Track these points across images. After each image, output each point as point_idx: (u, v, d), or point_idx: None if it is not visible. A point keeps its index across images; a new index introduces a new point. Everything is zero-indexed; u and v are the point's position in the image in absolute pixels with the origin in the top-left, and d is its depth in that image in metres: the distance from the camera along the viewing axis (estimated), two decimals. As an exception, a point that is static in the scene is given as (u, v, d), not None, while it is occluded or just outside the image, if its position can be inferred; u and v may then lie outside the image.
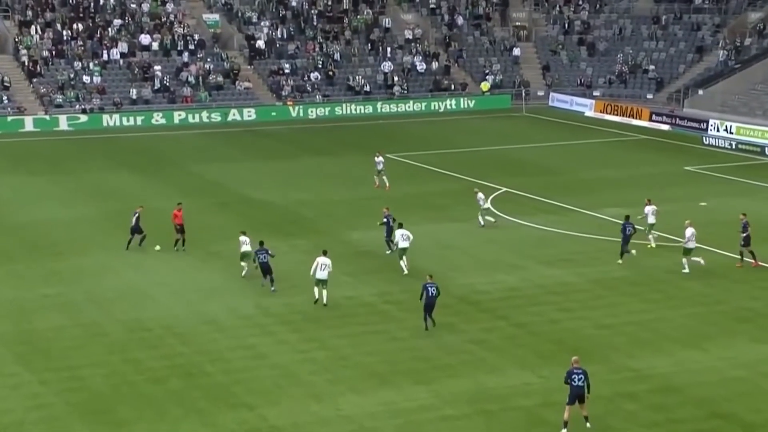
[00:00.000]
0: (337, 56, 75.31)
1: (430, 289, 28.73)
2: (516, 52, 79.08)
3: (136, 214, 36.57)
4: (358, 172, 50.23)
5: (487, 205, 40.57)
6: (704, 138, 59.42)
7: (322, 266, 30.68)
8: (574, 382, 22.66)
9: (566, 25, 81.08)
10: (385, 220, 36.18)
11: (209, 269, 34.57)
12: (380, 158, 46.74)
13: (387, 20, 79.59)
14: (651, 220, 36.72)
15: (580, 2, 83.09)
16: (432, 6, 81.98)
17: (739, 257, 34.75)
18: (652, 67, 75.32)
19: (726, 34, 74.46)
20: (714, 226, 39.33)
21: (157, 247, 36.10)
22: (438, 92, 74.45)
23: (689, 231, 34.38)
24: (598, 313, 30.12)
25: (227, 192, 44.83)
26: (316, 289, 30.89)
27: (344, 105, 71.12)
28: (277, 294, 31.82)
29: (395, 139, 61.28)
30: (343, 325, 29.30)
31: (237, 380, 25.67)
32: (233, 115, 68.45)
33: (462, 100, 73.65)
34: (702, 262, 34.15)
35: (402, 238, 33.99)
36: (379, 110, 71.33)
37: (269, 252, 32.29)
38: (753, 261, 34.59)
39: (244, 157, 55.53)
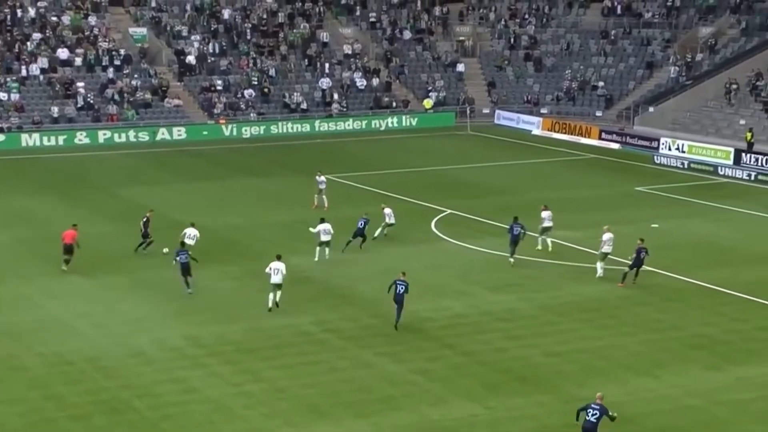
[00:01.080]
0: (272, 72, 75.19)
1: (399, 285, 30.93)
2: (460, 67, 79.67)
3: (145, 219, 38.69)
4: (295, 194, 50.07)
5: (392, 220, 41.13)
6: (655, 157, 60.26)
7: (275, 271, 32.48)
8: (588, 415, 22.89)
9: (512, 40, 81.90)
10: (359, 222, 39.62)
11: (135, 298, 34.15)
12: (322, 178, 47.02)
13: (325, 34, 79.75)
14: (606, 249, 36.58)
15: (526, 16, 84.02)
16: (372, 20, 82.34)
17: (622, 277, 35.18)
18: (601, 83, 76.32)
19: (677, 50, 75.75)
20: (666, 249, 39.82)
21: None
22: (379, 110, 74.65)
23: (606, 236, 35.91)
24: (547, 340, 30.26)
25: (155, 216, 44.31)
26: (270, 296, 32.47)
27: (280, 123, 70.97)
28: (209, 324, 31.53)
29: (334, 159, 61.23)
30: (280, 355, 29.09)
31: (166, 416, 25.32)
32: (162, 134, 67.94)
33: (404, 118, 73.92)
34: (600, 272, 35.67)
35: (324, 232, 37.63)
36: (316, 129, 71.30)
37: (189, 252, 34.35)
38: (622, 282, 35.01)
39: (173, 178, 55.09)
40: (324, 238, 37.88)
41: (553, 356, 28.98)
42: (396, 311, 31.04)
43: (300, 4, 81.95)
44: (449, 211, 46.36)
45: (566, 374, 27.73)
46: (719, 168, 56.47)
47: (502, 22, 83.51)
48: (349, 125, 72.36)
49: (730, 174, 55.46)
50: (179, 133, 68.28)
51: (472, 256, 39.34)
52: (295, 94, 73.93)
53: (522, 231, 37.70)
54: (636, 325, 31.45)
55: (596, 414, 22.92)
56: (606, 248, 36.15)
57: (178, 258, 34.28)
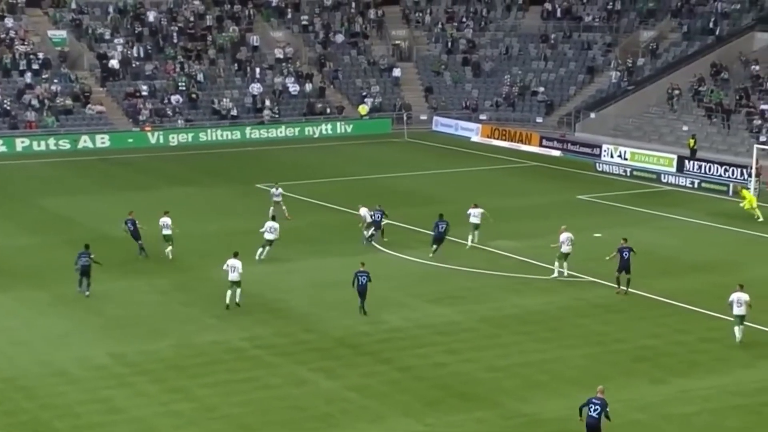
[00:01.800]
0: (200, 77, 74.81)
1: (361, 277, 33.37)
2: (396, 72, 79.95)
3: (130, 221, 39.78)
4: (226, 204, 49.83)
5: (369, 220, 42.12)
6: (597, 164, 60.97)
7: (232, 268, 33.76)
8: (590, 411, 23.43)
9: (449, 44, 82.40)
10: (374, 215, 42.30)
11: (57, 314, 33.73)
12: (279, 190, 47.06)
13: (255, 38, 79.54)
14: (566, 249, 37.57)
15: (464, 19, 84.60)
16: (304, 23, 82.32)
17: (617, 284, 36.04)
18: (541, 88, 77.08)
19: (618, 54, 76.77)
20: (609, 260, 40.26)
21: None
22: (312, 116, 74.61)
23: (564, 235, 37.39)
24: (488, 354, 30.43)
25: (78, 227, 43.87)
26: (228, 293, 33.75)
27: (209, 131, 70.63)
28: (135, 340, 31.27)
29: (266, 167, 61.06)
30: (210, 372, 28.91)
31: (89, 438, 25.02)
32: (84, 142, 67.21)
33: (338, 124, 73.97)
34: (563, 273, 37.12)
35: (269, 230, 39.21)
36: (247, 136, 71.06)
37: (91, 255, 35.10)
38: (618, 288, 35.97)
39: (97, 188, 54.54)
40: (268, 236, 39.08)
41: (494, 371, 29.14)
42: (360, 301, 33.43)
43: (229, 6, 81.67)
44: (386, 221, 46.41)
45: (507, 389, 27.90)
46: (662, 175, 57.31)
47: (439, 26, 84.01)
48: (281, 132, 72.21)
49: (673, 181, 56.29)
50: (103, 140, 67.62)
51: (410, 268, 39.45)
52: (224, 100, 73.61)
53: (447, 227, 40.26)
54: (579, 338, 31.75)
55: (597, 409, 23.47)
56: (565, 248, 37.24)
57: (79, 261, 35.10)
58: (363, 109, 75.60)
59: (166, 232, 40.24)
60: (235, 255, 34.33)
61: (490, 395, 27.50)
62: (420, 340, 31.48)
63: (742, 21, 74.03)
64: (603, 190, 53.94)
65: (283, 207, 46.57)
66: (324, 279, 37.79)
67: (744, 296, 31.43)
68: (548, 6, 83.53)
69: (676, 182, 56.25)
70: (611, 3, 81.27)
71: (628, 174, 58.52)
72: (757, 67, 67.72)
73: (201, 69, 75.42)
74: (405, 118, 74.40)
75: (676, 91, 69.08)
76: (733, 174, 56.05)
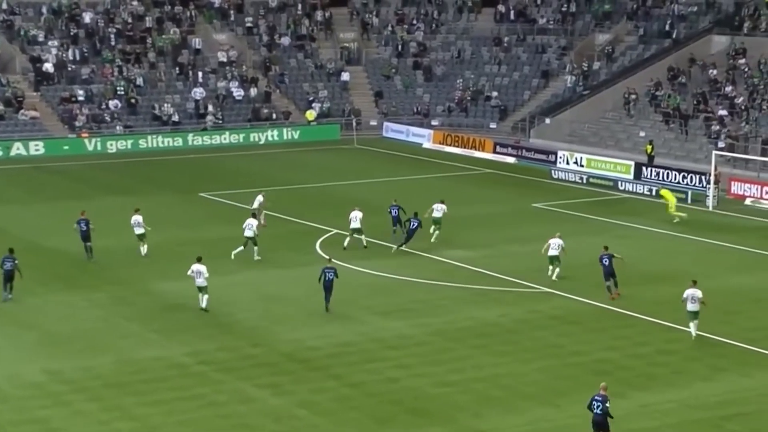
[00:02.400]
0: (139, 81, 74.40)
1: (328, 273, 34.87)
2: (344, 76, 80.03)
3: (83, 221, 40.67)
4: (168, 214, 49.55)
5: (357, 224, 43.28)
6: (553, 171, 61.40)
7: (197, 274, 34.66)
8: (594, 409, 24.42)
9: (400, 47, 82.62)
10: (391, 210, 44.88)
11: (-11, 330, 33.32)
12: (260, 198, 47.61)
13: (197, 41, 79.23)
14: (552, 252, 39.25)
15: (414, 21, 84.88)
16: (248, 25, 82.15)
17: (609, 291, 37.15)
18: (494, 93, 77.50)
19: (573, 58, 77.40)
20: (566, 270, 40.55)
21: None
22: (258, 122, 74.45)
23: (552, 241, 39.13)
24: (441, 368, 30.49)
25: (10, 239, 43.35)
26: (200, 296, 34.74)
27: (149, 137, 70.25)
28: (72, 356, 31.00)
29: (209, 175, 60.83)
30: (152, 390, 28.71)
31: (24, 461, 24.73)
32: (17, 149, 66.57)
33: (285, 130, 73.87)
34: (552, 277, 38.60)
35: (248, 227, 41.04)
36: (190, 143, 70.76)
37: (15, 260, 35.72)
38: (611, 295, 37.00)
39: (30, 198, 54.01)
40: (247, 233, 40.92)
41: (447, 386, 29.20)
42: (325, 297, 34.90)
43: (169, 7, 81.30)
44: (335, 230, 46.43)
45: (461, 405, 27.97)
46: (619, 183, 57.82)
47: (389, 28, 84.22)
48: (225, 139, 72.00)
49: (630, 189, 56.84)
50: (36, 147, 66.99)
51: (361, 279, 39.46)
52: (165, 105, 73.25)
53: (419, 225, 42.63)
54: (535, 351, 31.91)
55: (600, 405, 24.31)
56: (551, 252, 39.03)
57: (3, 266, 35.68)
58: (310, 114, 75.57)
59: (139, 231, 41.95)
60: (199, 260, 35.14)
61: (444, 411, 27.54)
62: (371, 355, 31.47)
63: (700, 24, 74.94)
64: (559, 198, 54.31)
65: (263, 213, 46.98)
66: (271, 291, 37.70)
67: (698, 293, 32.60)
68: (501, 8, 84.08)
69: (634, 189, 56.79)
70: (566, 5, 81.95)
71: (584, 181, 58.98)
72: (715, 71, 68.57)
73: (140, 73, 74.99)
74: (354, 123, 74.48)
75: (633, 96, 69.76)
76: (691, 181, 56.68)
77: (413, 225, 42.80)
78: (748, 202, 53.62)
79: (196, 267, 34.93)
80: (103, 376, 29.57)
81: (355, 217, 43.14)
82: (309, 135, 73.94)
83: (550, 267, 39.31)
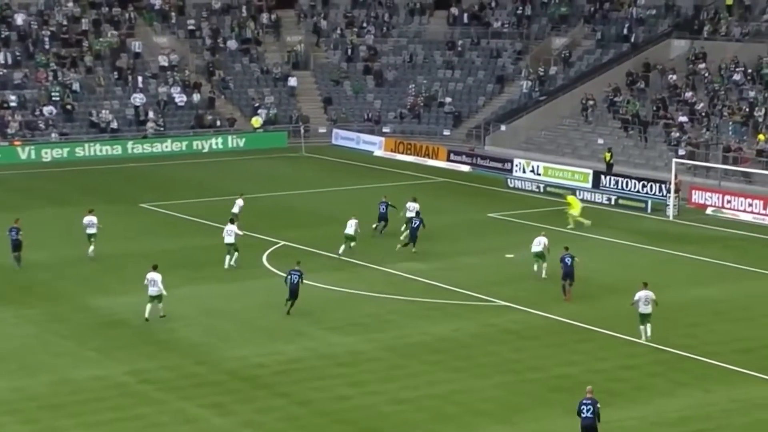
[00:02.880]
0: (75, 87, 73.89)
1: (293, 275, 35.96)
2: (292, 82, 79.94)
3: (14, 230, 41.31)
4: (106, 225, 49.13)
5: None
6: (509, 180, 61.67)
7: (151, 282, 34.95)
8: (583, 413, 25.22)
9: (349, 51, 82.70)
10: (380, 207, 47.00)
11: None
12: (240, 202, 48.32)
13: (136, 44, 78.83)
14: (535, 249, 40.93)
15: (365, 24, 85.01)
16: (191, 27, 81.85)
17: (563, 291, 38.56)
18: (448, 99, 77.76)
19: (529, 62, 77.87)
20: (522, 281, 40.76)
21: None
22: (201, 129, 74.18)
23: (537, 239, 41.11)
24: (394, 385, 30.49)
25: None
26: (148, 306, 34.85)
27: (86, 145, 69.75)
28: (4, 377, 30.65)
29: (150, 184, 60.49)
30: (90, 411, 28.47)
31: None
32: (-54, 157, 65.90)
33: (230, 138, 73.66)
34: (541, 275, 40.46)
35: (228, 233, 41.98)
36: (129, 151, 70.34)
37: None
38: (565, 296, 38.36)
39: (-40, 209, 53.41)
40: (228, 240, 41.95)
41: (400, 403, 29.21)
42: (287, 300, 35.96)
43: (107, 9, 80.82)
44: (283, 242, 46.34)
45: (415, 423, 27.98)
46: (577, 192, 58.11)
47: (338, 31, 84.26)
48: (167, 147, 71.66)
49: (588, 198, 57.15)
50: (-33, 156, 66.35)
51: (310, 293, 39.32)
52: (103, 111, 72.78)
53: (420, 224, 44.52)
54: (491, 367, 32.00)
55: (590, 409, 25.16)
56: (536, 248, 40.73)
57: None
58: (256, 121, 75.39)
59: (91, 231, 43.01)
60: (155, 268, 35.51)
61: (397, 430, 27.54)
62: (320, 372, 31.40)
63: (658, 28, 75.67)
64: (515, 208, 54.56)
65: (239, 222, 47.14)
66: (215, 306, 37.53)
67: (650, 294, 33.68)
68: (454, 11, 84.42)
69: (592, 199, 57.13)
70: (521, 8, 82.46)
71: (541, 190, 59.30)
72: (675, 77, 69.23)
73: (77, 77, 74.45)
74: (302, 131, 74.40)
75: (591, 102, 70.26)
76: (651, 190, 57.12)
77: (415, 224, 44.62)
78: (709, 211, 54.13)
79: (151, 275, 35.22)
80: (37, 397, 29.25)
81: (350, 225, 44.26)
82: (255, 143, 73.73)
83: (536, 265, 40.74)
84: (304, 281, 36.74)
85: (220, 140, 73.29)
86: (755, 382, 30.85)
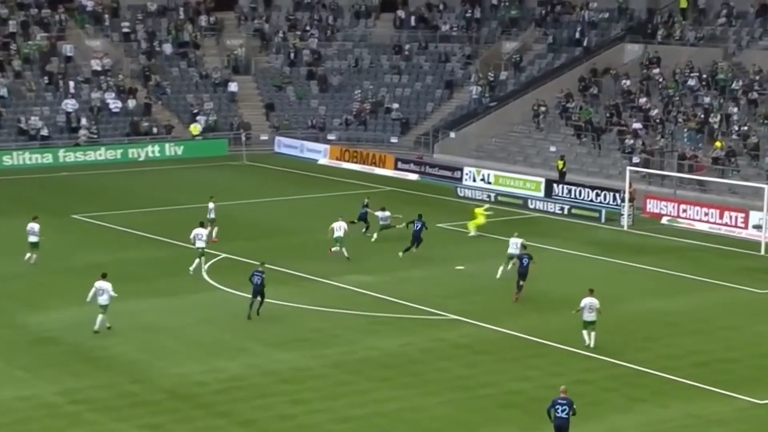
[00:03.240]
0: (3, 92, 73.21)
1: (256, 276, 36.86)
2: (232, 87, 79.71)
3: None
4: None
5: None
6: (458, 189, 61.83)
7: (100, 291, 35.08)
8: (558, 412, 25.98)
9: (292, 55, 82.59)
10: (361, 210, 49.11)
11: None
12: (212, 205, 48.98)
13: (68, 47, 78.24)
14: (512, 250, 42.54)
15: (308, 27, 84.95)
16: (125, 30, 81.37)
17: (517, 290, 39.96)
18: (395, 105, 77.89)
19: (479, 67, 78.19)
20: (472, 295, 40.83)
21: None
22: (137, 137, 73.75)
23: (512, 240, 43.17)
24: (340, 403, 30.41)
25: None
26: (99, 317, 34.95)
27: (15, 153, 69.17)
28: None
29: (83, 194, 60.02)
30: (19, 434, 28.13)
31: None
32: None
33: (167, 146, 73.28)
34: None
35: (198, 238, 42.62)
36: (61, 160, 69.80)
37: None
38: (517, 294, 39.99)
39: None
40: (198, 244, 42.72)
41: (347, 422, 29.14)
42: (250, 302, 37.01)
43: (36, 10, 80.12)
44: (223, 255, 46.14)
45: (363, 442, 27.93)
46: (529, 201, 58.42)
47: (280, 35, 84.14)
48: (100, 155, 71.18)
49: (541, 207, 57.46)
50: None
51: (251, 308, 39.22)
52: (33, 118, 72.15)
53: (423, 227, 46.06)
54: (441, 383, 32.00)
55: (566, 409, 25.96)
56: (512, 250, 42.47)
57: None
58: (195, 128, 75.07)
59: (33, 239, 43.48)
60: (104, 276, 35.68)
61: (343, 450, 27.45)
62: (263, 390, 31.26)
63: (611, 31, 76.34)
64: (465, 218, 54.58)
65: (215, 228, 48.21)
66: (151, 322, 37.25)
67: (595, 302, 34.48)
68: (401, 13, 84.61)
69: (545, 208, 57.42)
70: (470, 11, 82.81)
71: (492, 199, 59.47)
72: (628, 82, 69.83)
73: (4, 83, 73.78)
74: (243, 138, 74.16)
75: (543, 108, 70.69)
76: (605, 199, 57.49)
77: (417, 227, 45.95)
78: (664, 221, 54.57)
79: (99, 284, 35.36)
80: (-38, 420, 28.86)
81: (339, 227, 45.36)
82: (194, 151, 73.40)
83: (509, 265, 42.20)
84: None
85: (156, 148, 72.86)
86: (712, 397, 31.11)
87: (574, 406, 26.21)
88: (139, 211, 55.96)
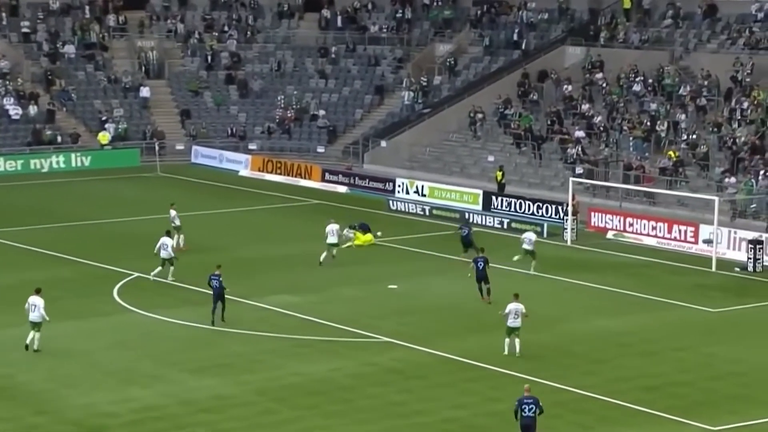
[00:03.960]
0: None
1: (214, 280, 39.22)
2: (144, 92, 79.29)
3: None
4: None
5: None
6: (391, 202, 61.94)
7: (33, 307, 35.48)
8: (524, 412, 27.53)
9: (209, 58, 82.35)
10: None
11: None
12: (174, 212, 50.42)
13: (-37, 49, 77.48)
14: (527, 246, 46.83)
15: (226, 28, 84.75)
16: (25, 30, 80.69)
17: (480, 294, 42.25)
18: (321, 112, 77.93)
19: (411, 71, 78.49)
20: (406, 315, 40.94)
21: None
22: (39, 146, 73.09)
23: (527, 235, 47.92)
24: (265, 433, 30.42)
25: None
26: (30, 334, 35.27)
27: None
28: None
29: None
30: None
31: None
32: None
33: (73, 156, 72.73)
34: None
35: (164, 248, 44.33)
36: (-46, 171, 69.17)
37: None
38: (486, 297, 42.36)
39: None
40: (162, 254, 44.24)
41: (272, 453, 29.12)
42: (212, 307, 38.96)
43: (-76, 8, 79.25)
44: (137, 274, 45.87)
45: (290, 475, 27.92)
46: (466, 214, 58.64)
47: (196, 35, 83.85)
48: (-1, 166, 70.64)
49: (479, 221, 57.69)
50: None
51: (168, 331, 39.05)
52: (-75, 125, 71.29)
53: (470, 232, 49.22)
54: (374, 411, 32.06)
55: (532, 407, 27.59)
56: (526, 245, 46.53)
57: None
58: (104, 137, 74.55)
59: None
60: (37, 291, 36.13)
61: (269, 484, 27.40)
62: (181, 420, 31.12)
63: (551, 33, 76.92)
64: (398, 233, 54.80)
65: (181, 235, 49.28)
66: (59, 347, 36.90)
67: (521, 307, 36.18)
68: (326, 13, 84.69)
69: (483, 222, 57.70)
70: (401, 11, 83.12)
71: (427, 213, 59.68)
72: (570, 87, 70.39)
73: None
74: (157, 147, 73.79)
75: (480, 115, 71.07)
76: (547, 212, 57.83)
77: (465, 232, 48.78)
78: (610, 235, 55.00)
79: (33, 299, 35.70)
80: None
81: (332, 231, 47.47)
82: (102, 161, 72.91)
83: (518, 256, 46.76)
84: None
85: (61, 158, 72.27)
86: (663, 423, 31.41)
87: (541, 404, 27.63)
88: (43, 227, 55.44)
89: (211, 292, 39.49)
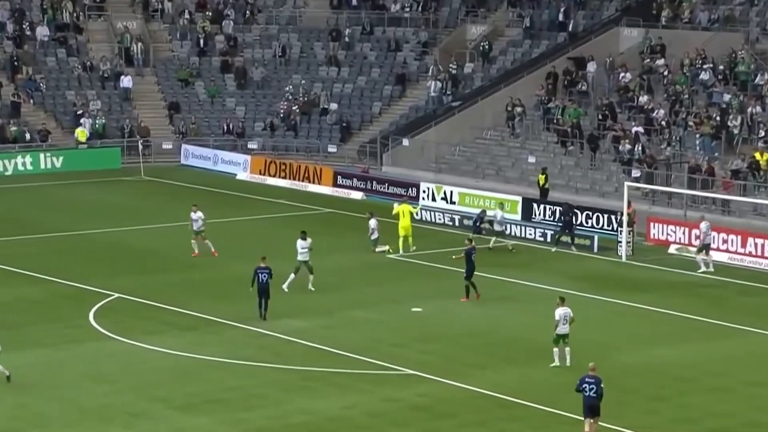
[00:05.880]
0: None
1: (261, 274, 41.98)
2: (125, 82, 79.48)
3: None
4: None
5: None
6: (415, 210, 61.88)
7: None
8: (585, 392, 30.36)
9: (202, 42, 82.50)
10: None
11: None
12: (198, 213, 51.87)
13: None
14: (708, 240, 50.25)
15: (221, 7, 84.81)
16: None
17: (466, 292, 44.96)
18: (333, 105, 77.99)
19: (438, 58, 78.46)
20: (430, 343, 40.92)
21: None
22: (3, 145, 73.39)
23: (703, 224, 50.32)
24: (267, 482, 30.54)
25: None
26: None
27: None
28: None
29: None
30: None
31: None
32: None
33: (43, 156, 73.03)
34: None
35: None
36: None
37: None
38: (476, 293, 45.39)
39: None
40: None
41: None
42: (258, 302, 42.10)
43: None
44: (116, 294, 45.98)
45: None
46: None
47: (187, 16, 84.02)
48: (-43, 168, 71.02)
49: (517, 233, 57.64)
50: None
51: (152, 361, 39.10)
52: None
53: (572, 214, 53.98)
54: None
55: (593, 388, 30.34)
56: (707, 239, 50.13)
57: None
58: (82, 133, 74.71)
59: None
60: None
61: None
62: (168, 465, 31.26)
63: (604, 12, 76.83)
64: (422, 246, 54.75)
65: (206, 241, 51.05)
66: (27, 380, 36.96)
67: (569, 312, 38.19)
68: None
69: (522, 234, 57.60)
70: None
71: (456, 223, 59.64)
72: (626, 76, 70.17)
73: None
74: (141, 147, 73.94)
75: (519, 109, 71.00)
76: (598, 222, 57.66)
77: (569, 216, 54.96)
78: (672, 250, 54.81)
79: None
80: None
81: (374, 226, 52.44)
82: (77, 163, 73.16)
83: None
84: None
85: (28, 159, 72.56)
86: (735, 469, 31.40)
87: (602, 386, 30.33)
88: (6, 239, 55.66)
89: (255, 287, 42.44)
